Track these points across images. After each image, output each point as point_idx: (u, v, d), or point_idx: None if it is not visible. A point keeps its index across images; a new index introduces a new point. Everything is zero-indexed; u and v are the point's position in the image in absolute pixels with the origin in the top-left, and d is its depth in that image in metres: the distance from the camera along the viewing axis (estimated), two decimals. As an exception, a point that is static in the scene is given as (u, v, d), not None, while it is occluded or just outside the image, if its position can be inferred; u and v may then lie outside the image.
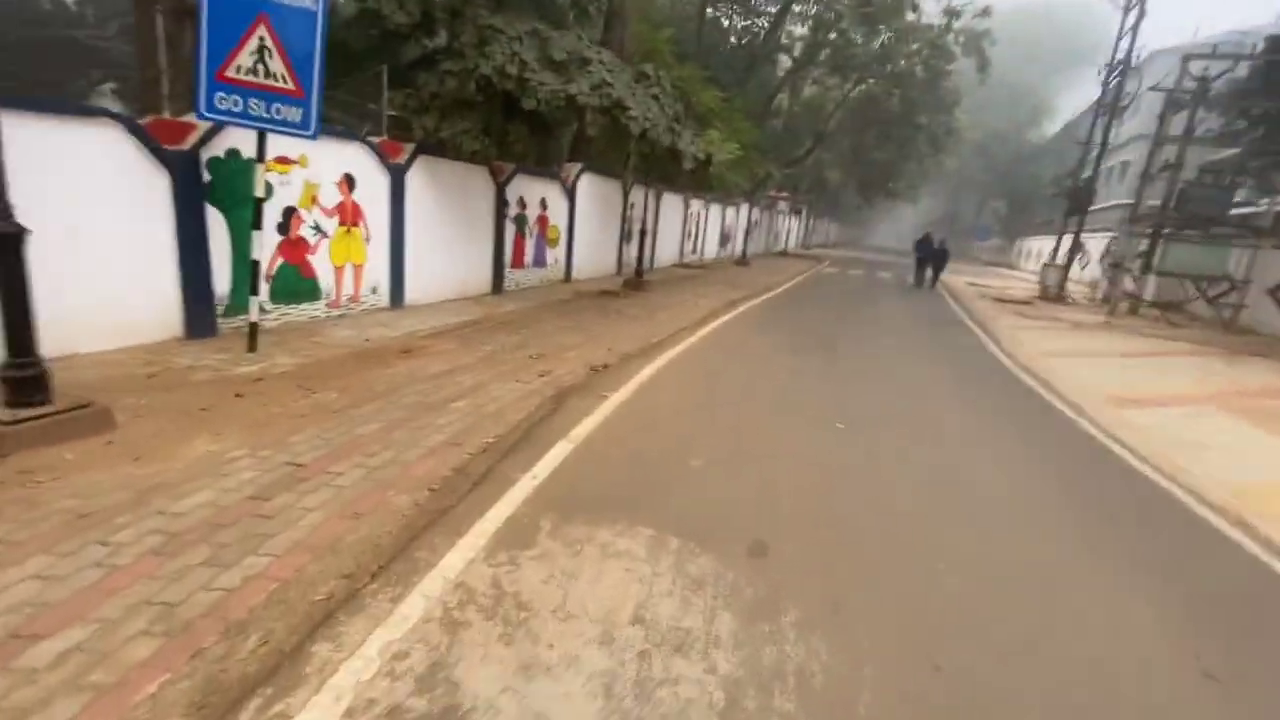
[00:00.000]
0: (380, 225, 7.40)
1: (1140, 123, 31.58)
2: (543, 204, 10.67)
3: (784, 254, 30.81)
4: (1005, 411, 6.32)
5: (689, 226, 18.68)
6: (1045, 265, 18.68)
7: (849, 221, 65.94)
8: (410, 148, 7.60)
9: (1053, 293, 18.33)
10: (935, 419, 5.72)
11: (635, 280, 11.71)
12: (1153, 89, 16.70)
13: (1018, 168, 49.30)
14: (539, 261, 10.88)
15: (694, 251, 19.64)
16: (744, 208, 24.33)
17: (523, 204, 10.08)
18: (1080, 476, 4.69)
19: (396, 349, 6.00)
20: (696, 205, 19.04)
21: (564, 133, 11.86)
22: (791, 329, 9.19)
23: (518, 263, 10.23)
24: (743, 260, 21.17)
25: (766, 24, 21.91)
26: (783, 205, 32.84)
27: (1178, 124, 17.37)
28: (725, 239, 23.32)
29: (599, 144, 12.91)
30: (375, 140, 7.28)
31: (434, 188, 8.06)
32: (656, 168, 10.61)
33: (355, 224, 7.05)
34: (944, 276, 24.53)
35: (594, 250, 12.81)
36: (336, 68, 6.76)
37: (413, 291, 7.98)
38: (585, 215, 12.12)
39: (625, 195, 13.45)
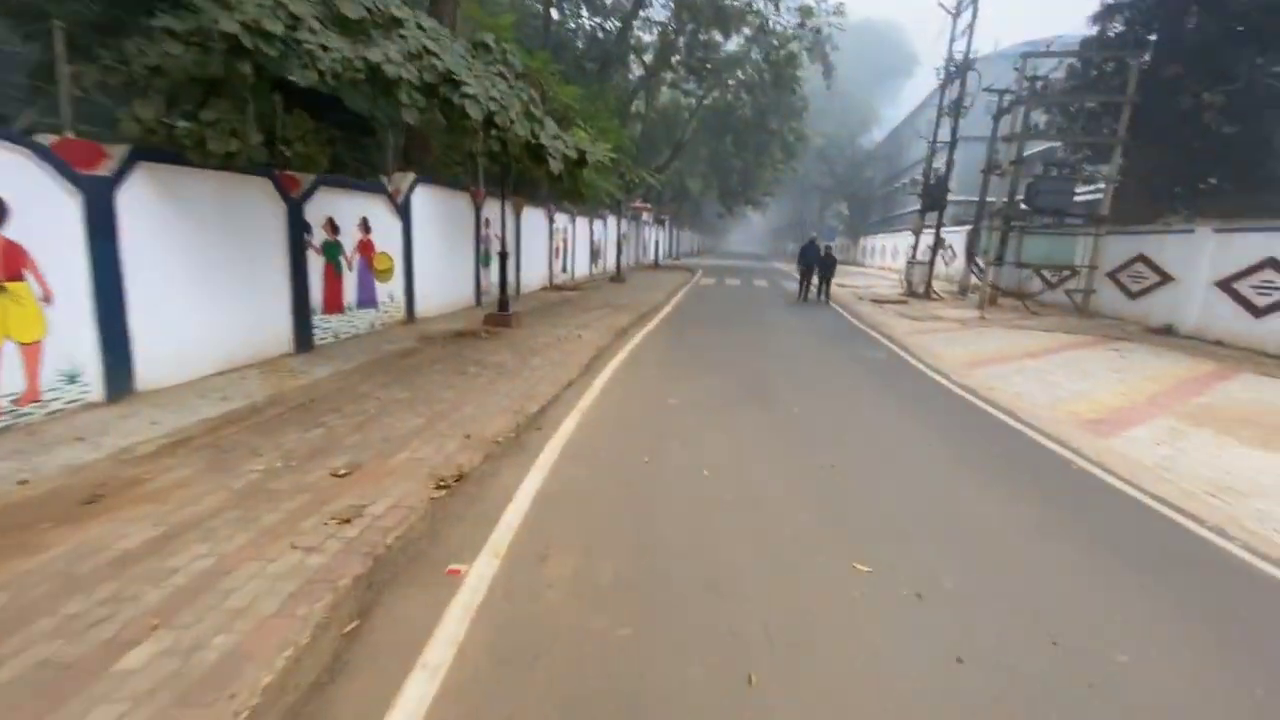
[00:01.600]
0: (73, 275, 4.60)
1: (967, 124, 34.80)
2: (364, 226, 8.12)
3: (655, 266, 29.79)
4: (1006, 465, 5.00)
5: (556, 243, 16.66)
6: (909, 263, 19.01)
7: (705, 230, 67.67)
8: (121, 152, 4.86)
9: (920, 289, 18.68)
10: (964, 513, 4.20)
11: (498, 314, 9.47)
12: (988, 90, 17.49)
13: (853, 172, 53.10)
14: (366, 301, 8.29)
15: (564, 271, 17.64)
16: (611, 221, 22.79)
17: (333, 227, 7.49)
18: (1155, 562, 3.34)
19: (81, 492, 3.39)
20: (563, 220, 17.08)
21: (389, 133, 9.34)
22: (703, 366, 7.46)
23: (333, 306, 7.60)
24: (618, 276, 19.54)
25: (617, 24, 20.60)
26: (646, 216, 31.93)
27: (1007, 124, 18.37)
28: (596, 255, 21.58)
29: (438, 145, 10.57)
30: (46, 140, 4.50)
31: (175, 209, 5.34)
32: (514, 173, 8.53)
33: (14, 278, 4.23)
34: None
35: (443, 280, 10.37)
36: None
37: (150, 368, 5.19)
38: (427, 238, 9.67)
39: (477, 210, 11.14)
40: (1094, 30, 17.28)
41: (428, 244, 9.71)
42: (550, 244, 16.08)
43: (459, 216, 10.88)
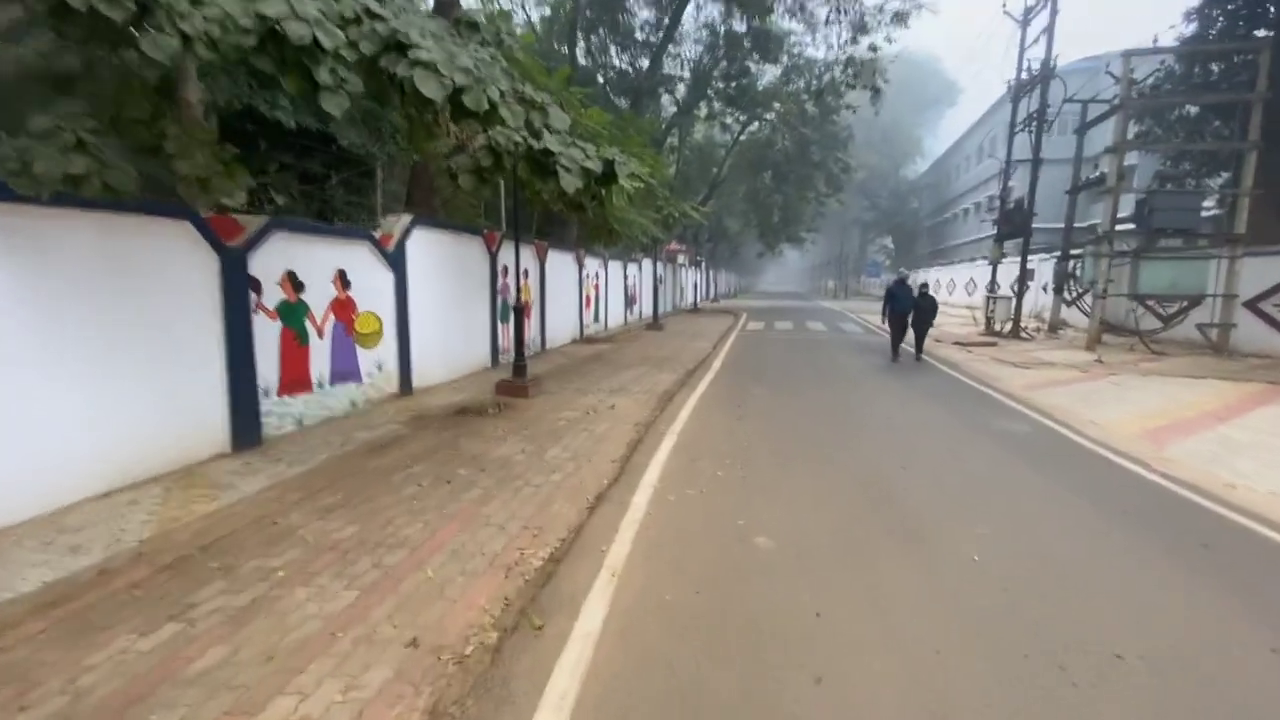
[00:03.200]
0: None
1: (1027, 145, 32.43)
2: (341, 281, 6.45)
3: (695, 310, 27.93)
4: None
5: (586, 291, 14.96)
6: (990, 297, 16.61)
7: (741, 270, 65.91)
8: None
9: (1004, 328, 16.21)
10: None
11: (513, 382, 7.61)
12: (1071, 100, 15.36)
13: (898, 204, 50.86)
14: (344, 373, 6.55)
15: (596, 321, 15.89)
16: (646, 263, 21.13)
17: (295, 284, 5.81)
18: None
19: None
20: (593, 265, 15.43)
21: (379, 168, 7.80)
22: (788, 458, 5.28)
23: (294, 384, 5.86)
24: (655, 323, 17.69)
25: (649, 58, 19.36)
26: (682, 258, 30.32)
27: (1097, 138, 16.09)
28: (630, 301, 19.86)
29: (448, 183, 9.00)
30: None
31: (22, 267, 3.68)
32: (526, 201, 6.81)
33: None
34: (867, 318, 22.34)
35: (449, 341, 8.63)
36: None
37: (9, 489, 3.45)
38: (427, 291, 7.99)
39: (493, 257, 9.49)
40: (1190, 29, 15.10)
41: (429, 298, 8.02)
42: (580, 292, 14.38)
43: (470, 264, 9.21)
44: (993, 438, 6.10)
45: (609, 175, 4.54)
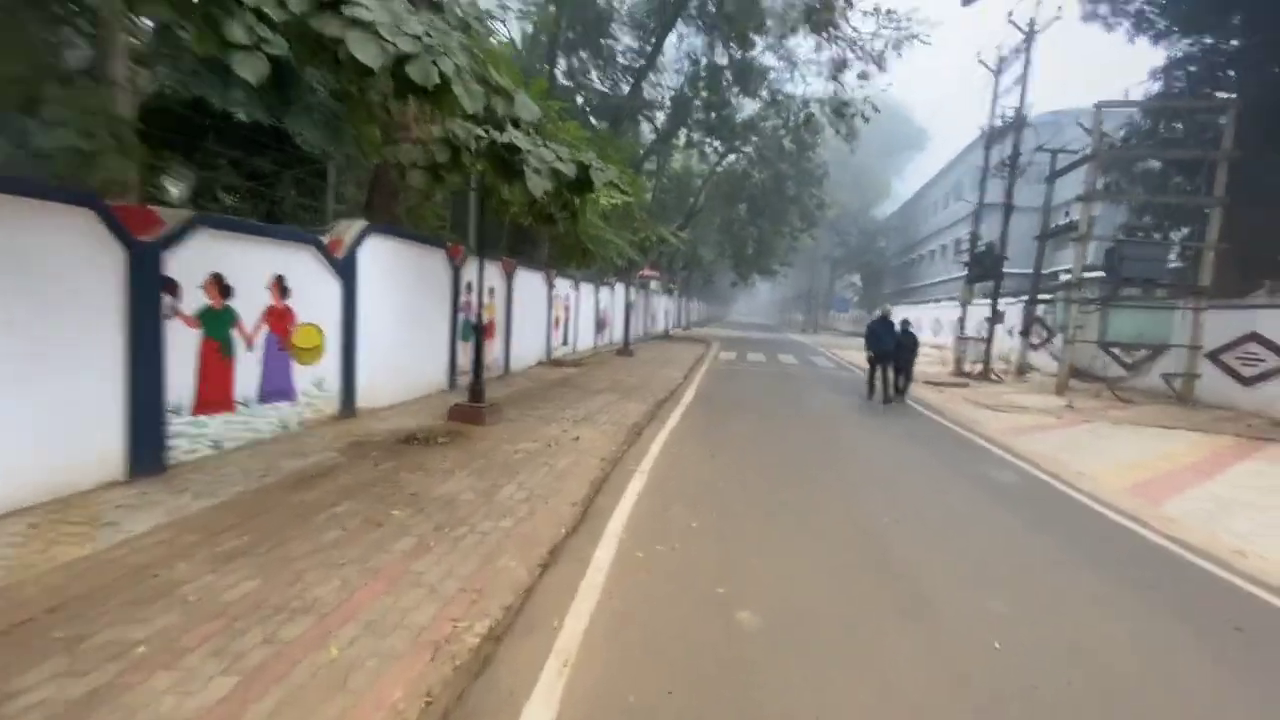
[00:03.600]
0: None
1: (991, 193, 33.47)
2: (279, 288, 5.78)
3: (666, 337, 27.59)
4: None
5: (556, 313, 14.41)
6: (959, 338, 16.64)
7: (712, 299, 66.25)
8: None
9: (973, 369, 16.22)
10: None
11: (468, 406, 6.97)
12: (1042, 149, 15.71)
13: (867, 242, 51.98)
14: (276, 391, 5.84)
15: (564, 343, 15.32)
16: (619, 288, 20.73)
17: (221, 289, 5.14)
18: None
19: None
20: (564, 286, 14.91)
21: (331, 168, 7.20)
22: (768, 508, 4.76)
23: (214, 401, 5.14)
24: (626, 349, 17.20)
25: (631, 81, 19.24)
26: (655, 284, 30.12)
27: (1062, 188, 16.46)
28: (601, 325, 19.36)
29: (412, 189, 8.44)
30: None
31: None
32: (494, 208, 6.26)
33: None
34: (838, 353, 22.31)
35: (402, 360, 7.96)
36: None
37: None
38: (380, 304, 7.35)
39: (455, 272, 8.91)
40: (1155, 87, 15.68)
41: (382, 313, 7.37)
42: (549, 313, 13.81)
43: (431, 278, 8.60)
44: (985, 489, 5.72)
45: (583, 182, 4.05)
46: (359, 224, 6.96)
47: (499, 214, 6.20)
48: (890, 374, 11.05)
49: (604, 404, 8.91)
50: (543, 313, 13.50)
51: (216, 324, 5.12)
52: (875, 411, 9.76)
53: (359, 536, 3.71)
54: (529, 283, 12.42)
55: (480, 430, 6.67)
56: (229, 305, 5.22)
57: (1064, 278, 18.91)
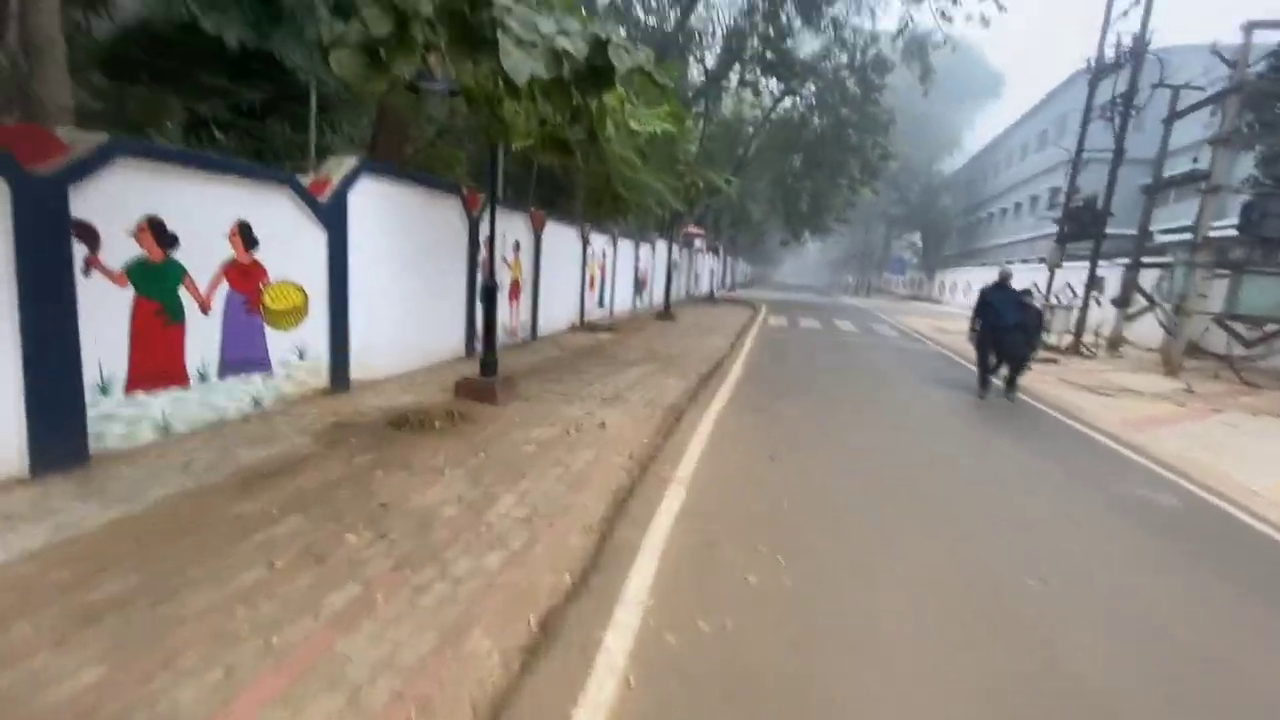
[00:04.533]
0: None
1: (1067, 145, 30.04)
2: (241, 236, 4.75)
3: (711, 299, 26.10)
4: None
5: (591, 271, 13.20)
6: (1046, 306, 14.66)
7: (757, 260, 63.59)
8: None
9: (1062, 341, 14.30)
10: None
11: (477, 380, 5.91)
12: (1162, 85, 13.30)
13: (928, 199, 48.39)
14: (244, 362, 4.88)
15: (600, 305, 14.15)
16: (660, 245, 19.30)
17: (160, 235, 4.12)
18: None
19: None
20: (600, 242, 13.64)
21: (312, 94, 6.07)
22: (852, 550, 3.29)
23: (156, 373, 4.19)
24: (666, 312, 15.92)
25: (679, 8, 17.31)
26: (699, 243, 28.43)
27: (1177, 134, 14.06)
28: (640, 285, 18.08)
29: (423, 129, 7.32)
30: None
31: None
32: (520, 159, 5.06)
33: None
34: (900, 319, 20.33)
35: (409, 323, 6.96)
36: None
37: None
38: (380, 258, 6.30)
39: (473, 223, 7.80)
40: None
41: (380, 268, 6.32)
42: (583, 272, 12.61)
43: (443, 229, 7.49)
44: (1143, 522, 4.29)
45: (599, 71, 2.74)
46: (349, 161, 5.84)
47: (491, 138, 4.91)
48: (994, 359, 8.18)
49: (638, 378, 7.74)
50: (575, 271, 12.31)
51: (155, 281, 4.12)
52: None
53: (288, 580, 2.69)
54: (561, 238, 11.21)
55: (489, 411, 5.60)
56: (172, 258, 4.21)
57: (1163, 239, 16.49)
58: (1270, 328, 12.10)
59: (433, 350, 7.49)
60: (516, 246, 9.41)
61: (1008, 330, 7.79)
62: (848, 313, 23.41)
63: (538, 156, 5.12)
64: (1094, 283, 13.55)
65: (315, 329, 5.58)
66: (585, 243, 12.47)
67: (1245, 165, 14.87)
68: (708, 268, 29.18)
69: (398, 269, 6.66)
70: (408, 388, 6.29)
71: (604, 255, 14.08)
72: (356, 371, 6.09)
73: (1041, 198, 32.48)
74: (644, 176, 5.98)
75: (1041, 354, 13.58)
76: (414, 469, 4.09)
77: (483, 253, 8.38)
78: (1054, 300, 14.89)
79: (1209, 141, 10.62)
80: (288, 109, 7.53)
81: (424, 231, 7.10)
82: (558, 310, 11.43)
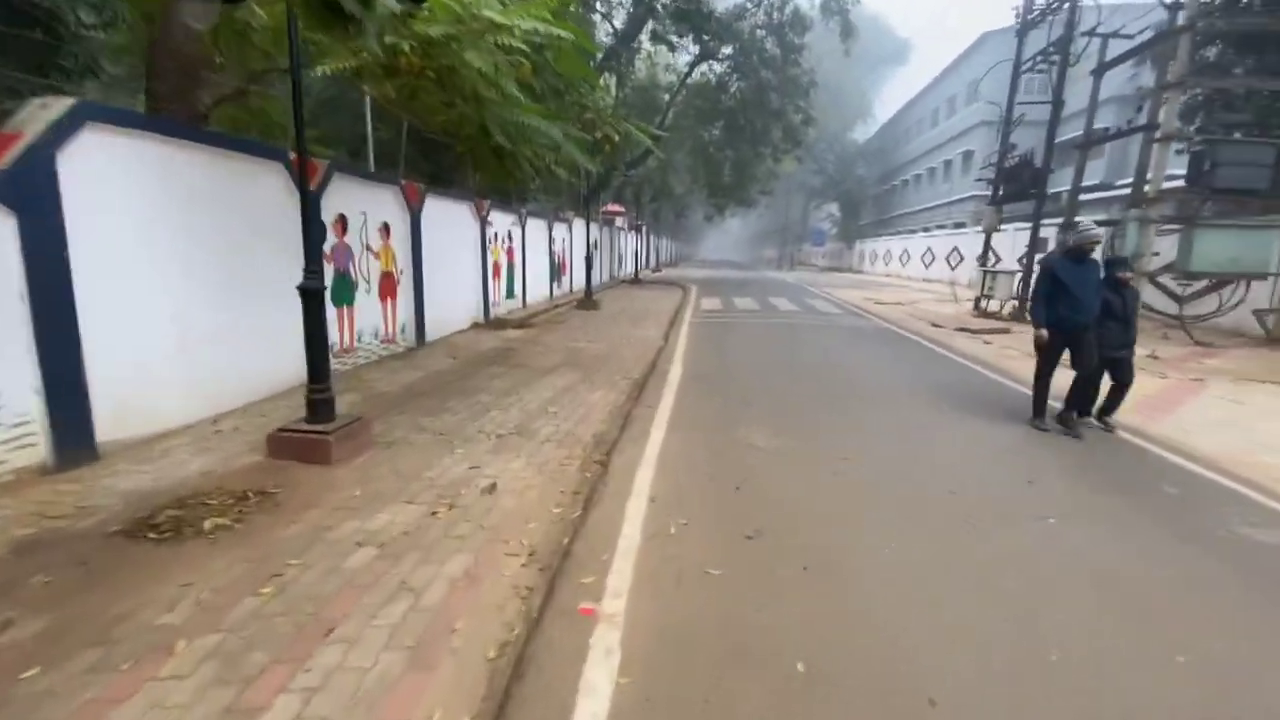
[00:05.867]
0: None
1: (980, 110, 30.22)
2: None
3: (637, 280, 24.45)
4: None
5: (495, 257, 11.19)
6: (986, 271, 13.99)
7: (681, 236, 62.49)
8: None
9: (1003, 309, 13.66)
10: None
11: (300, 434, 3.94)
12: (1088, 34, 12.64)
13: (844, 169, 48.59)
14: None
15: (510, 296, 12.17)
16: (579, 225, 17.39)
17: None
18: None
19: None
20: (504, 222, 11.63)
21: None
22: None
23: None
24: (589, 300, 14.12)
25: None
26: (621, 221, 26.66)
27: (1111, 85, 13.55)
28: (559, 271, 16.15)
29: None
30: None
31: None
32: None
33: None
34: (833, 293, 19.15)
35: (215, 342, 4.84)
36: None
37: None
38: (139, 256, 4.17)
39: (307, 198, 5.69)
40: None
41: (148, 267, 4.20)
42: (484, 259, 10.59)
43: (257, 210, 5.35)
44: (1182, 561, 3.03)
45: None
46: (60, 105, 3.67)
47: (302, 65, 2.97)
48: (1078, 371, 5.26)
49: (552, 395, 5.96)
50: (473, 258, 10.28)
51: None
52: (958, 396, 6.88)
53: None
54: (449, 217, 9.15)
55: (314, 479, 3.69)
56: None
57: (1084, 197, 16.21)
58: (1201, 283, 11.80)
59: (261, 379, 5.39)
60: (385, 230, 7.33)
61: (1086, 321, 5.04)
62: (779, 288, 22.39)
63: (369, 89, 3.20)
64: (1037, 244, 12.89)
65: (12, 370, 3.44)
66: (484, 222, 10.43)
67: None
68: (631, 247, 27.48)
69: (187, 267, 4.54)
70: (205, 445, 4.24)
71: (510, 238, 12.07)
72: (117, 427, 3.98)
73: (955, 162, 32.80)
74: (532, 119, 4.21)
75: (981, 320, 12.87)
76: (114, 650, 2.17)
77: (337, 241, 6.31)
78: (992, 265, 14.22)
79: (1160, 87, 9.89)
80: (21, 45, 5.13)
81: (230, 214, 4.97)
82: (452, 306, 9.40)
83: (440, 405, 5.44)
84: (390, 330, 7.59)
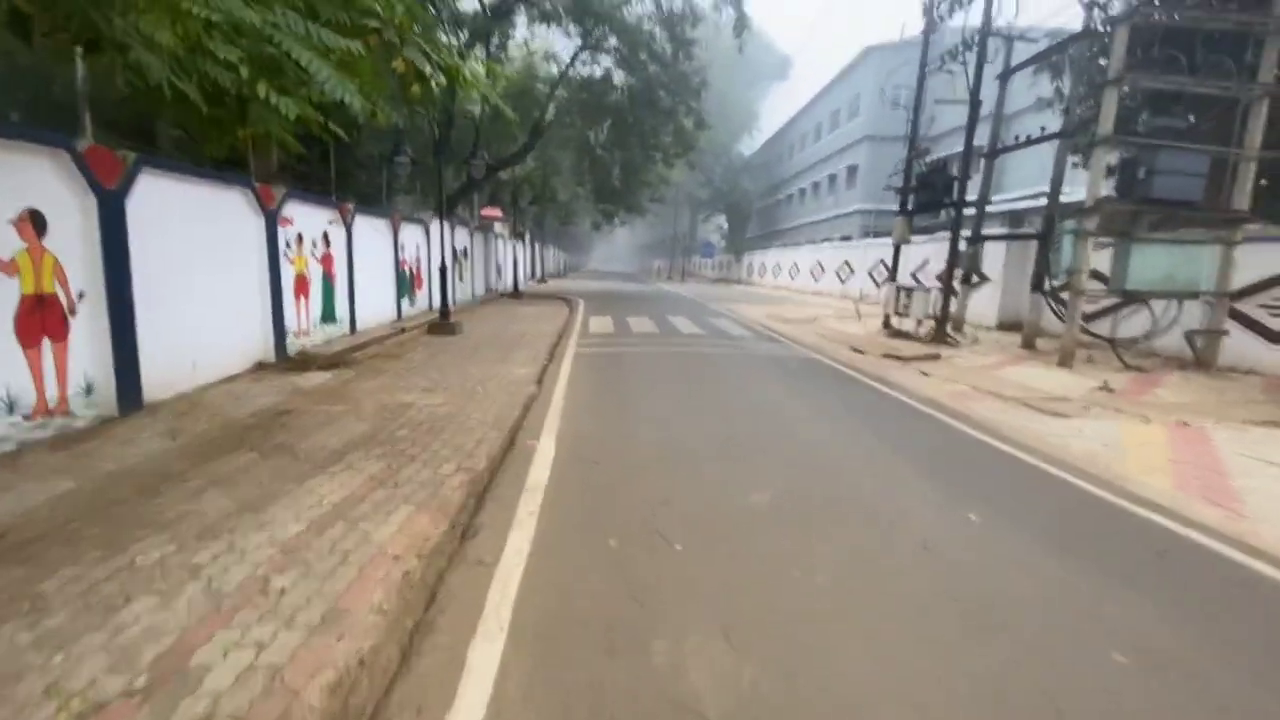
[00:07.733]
0: None
1: (863, 124, 30.51)
2: None
3: (517, 294, 21.52)
4: None
5: (297, 268, 8.04)
6: (901, 288, 12.77)
7: (568, 245, 60.01)
8: None
9: (918, 330, 12.48)
10: None
11: None
12: (993, 34, 11.80)
13: (730, 181, 48.57)
14: None
15: (330, 320, 9.00)
16: (435, 227, 14.27)
17: None
18: None
19: None
20: (315, 219, 8.49)
21: None
22: None
23: None
24: (445, 321, 11.13)
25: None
26: (499, 227, 23.67)
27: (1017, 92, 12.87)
28: (411, 285, 13.00)
29: None
30: None
31: None
32: None
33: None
34: (734, 309, 17.23)
35: None
36: None
37: None
38: None
39: None
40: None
41: None
42: (273, 269, 7.40)
43: None
44: None
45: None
46: None
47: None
48: None
49: (301, 530, 3.18)
50: (253, 269, 7.09)
51: None
52: (907, 442, 4.96)
53: None
54: (197, 207, 5.99)
55: None
56: None
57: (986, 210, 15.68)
58: (1106, 302, 11.21)
59: None
60: (37, 223, 4.16)
61: None
62: (676, 305, 20.47)
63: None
64: (959, 258, 11.78)
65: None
66: (268, 219, 7.27)
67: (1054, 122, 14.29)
68: (511, 257, 24.52)
69: None
70: None
71: (328, 241, 8.92)
72: None
73: (840, 176, 33.05)
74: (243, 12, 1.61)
75: (904, 342, 11.54)
76: None
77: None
78: (913, 282, 13.06)
79: (1103, 84, 8.85)
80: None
81: None
82: (210, 343, 6.20)
83: (35, 574, 2.51)
84: (54, 392, 4.39)
